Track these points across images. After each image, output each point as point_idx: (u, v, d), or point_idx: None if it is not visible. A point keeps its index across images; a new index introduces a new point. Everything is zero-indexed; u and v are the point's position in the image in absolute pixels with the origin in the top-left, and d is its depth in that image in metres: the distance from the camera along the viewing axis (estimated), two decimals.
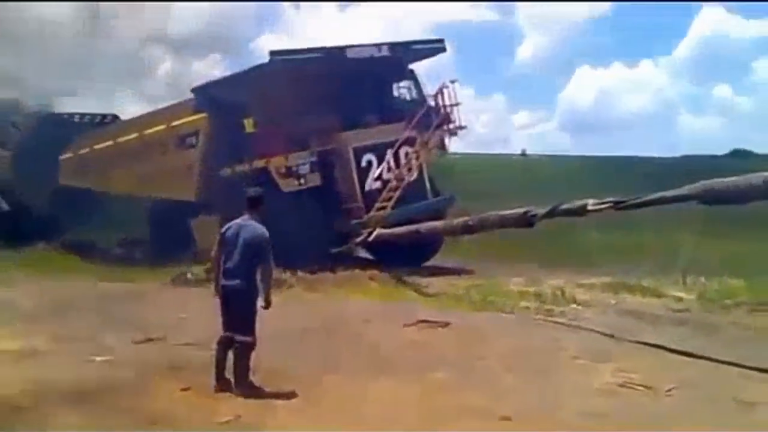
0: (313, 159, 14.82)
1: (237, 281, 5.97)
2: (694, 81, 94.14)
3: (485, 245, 15.14)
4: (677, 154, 51.75)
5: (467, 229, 12.31)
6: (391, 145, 15.19)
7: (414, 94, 16.79)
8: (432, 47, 16.80)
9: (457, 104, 15.99)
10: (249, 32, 70.96)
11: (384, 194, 14.67)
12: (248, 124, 14.54)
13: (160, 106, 18.88)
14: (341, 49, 15.09)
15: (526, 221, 10.10)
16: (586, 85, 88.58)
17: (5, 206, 20.56)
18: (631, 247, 16.13)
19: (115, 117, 22.30)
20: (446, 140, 16.81)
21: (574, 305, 9.81)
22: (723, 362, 6.38)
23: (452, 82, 16.04)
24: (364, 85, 15.46)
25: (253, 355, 6.02)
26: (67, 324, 8.91)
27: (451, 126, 16.21)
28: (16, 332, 8.21)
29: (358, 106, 15.35)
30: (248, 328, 6.01)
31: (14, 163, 21.44)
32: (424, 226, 13.58)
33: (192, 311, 10.46)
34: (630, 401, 5.60)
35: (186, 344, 7.79)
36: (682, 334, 8.10)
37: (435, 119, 15.69)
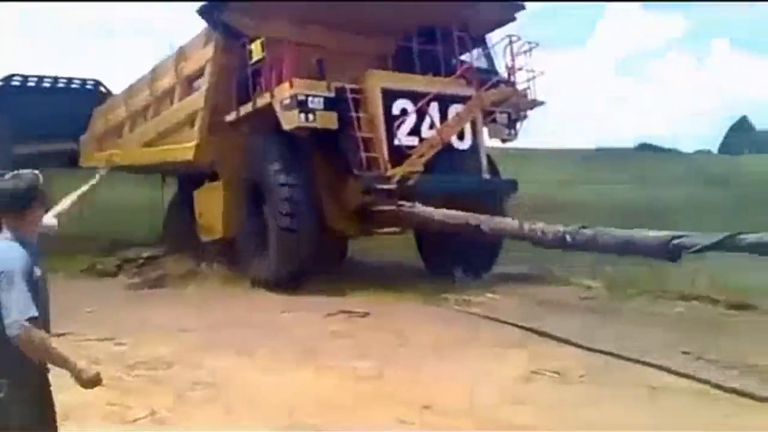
0: (330, 95, 11.19)
1: None
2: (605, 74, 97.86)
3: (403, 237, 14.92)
4: (591, 146, 53.87)
5: (563, 244, 7.99)
6: (437, 98, 11.71)
7: (483, 62, 13.47)
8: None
9: (533, 72, 12.49)
10: None
11: (419, 148, 11.43)
12: (255, 49, 11.61)
13: None
14: None
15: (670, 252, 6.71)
16: None
17: None
18: None
19: (98, 83, 19.26)
20: (516, 119, 13.08)
21: (491, 295, 10.03)
22: (629, 359, 6.59)
23: (530, 46, 12.36)
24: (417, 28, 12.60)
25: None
26: None
27: (522, 98, 12.77)
28: None
29: (403, 47, 12.65)
30: None
31: None
32: (490, 221, 9.39)
33: (100, 304, 10.19)
34: (543, 388, 5.79)
35: (96, 339, 7.59)
36: (591, 322, 8.45)
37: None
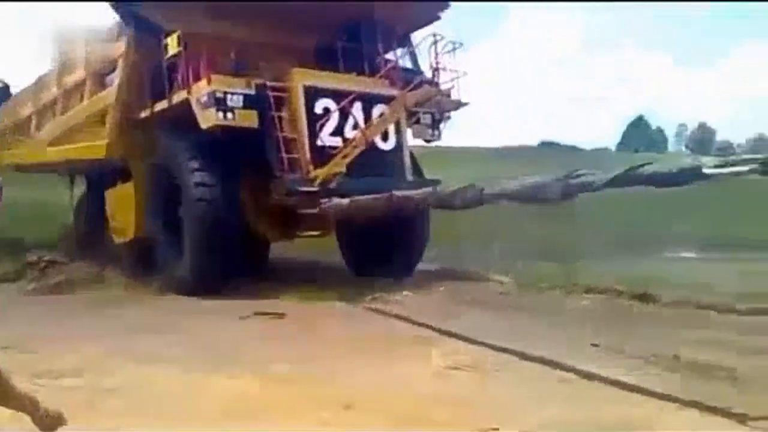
0: (250, 92, 10.85)
1: None
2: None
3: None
4: (497, 145, 55.39)
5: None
6: (361, 97, 11.56)
7: (408, 62, 13.48)
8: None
9: (457, 72, 12.44)
10: None
11: (343, 150, 11.21)
12: (171, 43, 11.14)
13: None
14: None
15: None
16: None
17: None
18: (454, 235, 16.88)
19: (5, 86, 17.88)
20: (440, 119, 13.05)
21: (406, 293, 10.13)
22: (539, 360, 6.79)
23: (454, 46, 12.28)
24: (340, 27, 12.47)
25: None
26: None
27: (446, 98, 12.71)
28: None
29: (326, 44, 12.44)
30: None
31: None
32: (400, 194, 9.88)
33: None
34: (461, 383, 5.88)
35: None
36: (505, 317, 8.69)
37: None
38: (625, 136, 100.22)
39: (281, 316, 8.86)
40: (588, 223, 19.08)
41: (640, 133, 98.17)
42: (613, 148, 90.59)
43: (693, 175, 6.14)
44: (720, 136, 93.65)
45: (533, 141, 72.66)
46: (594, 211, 19.56)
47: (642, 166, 6.71)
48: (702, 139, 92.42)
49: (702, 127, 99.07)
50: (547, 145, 68.86)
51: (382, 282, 10.66)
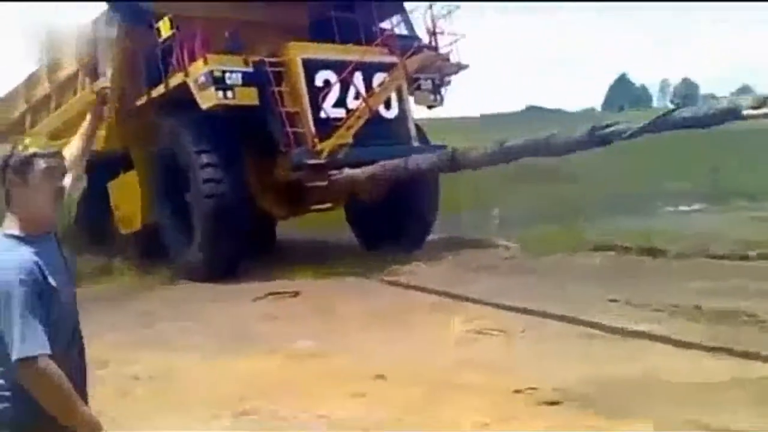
0: (248, 69, 10.57)
1: None
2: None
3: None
4: (476, 113, 55.09)
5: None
6: (360, 67, 11.19)
7: (403, 29, 13.20)
8: None
9: (455, 35, 12.05)
10: None
11: (347, 121, 10.90)
12: (163, 26, 10.78)
13: None
14: None
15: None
16: None
17: None
18: (454, 203, 16.84)
19: None
20: (441, 84, 12.81)
21: (417, 263, 10.12)
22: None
23: (449, 9, 11.91)
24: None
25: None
26: None
27: (446, 62, 12.41)
28: None
29: (320, 16, 12.12)
30: None
31: None
32: (412, 158, 9.86)
33: None
34: (490, 345, 5.91)
35: None
36: (516, 280, 8.71)
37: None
38: (609, 95, 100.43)
39: (295, 294, 8.84)
40: (586, 184, 19.14)
41: (624, 92, 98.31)
42: (599, 108, 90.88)
43: (731, 116, 5.94)
44: (703, 90, 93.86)
45: (518, 106, 72.53)
46: (591, 172, 19.69)
47: (675, 109, 6.55)
48: (686, 94, 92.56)
49: (685, 81, 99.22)
50: (533, 110, 68.78)
51: (393, 254, 10.64)
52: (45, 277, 2.08)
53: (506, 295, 7.58)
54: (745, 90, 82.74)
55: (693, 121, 6.18)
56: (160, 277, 10.96)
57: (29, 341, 1.99)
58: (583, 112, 70.89)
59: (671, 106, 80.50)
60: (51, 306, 2.08)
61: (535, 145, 8.10)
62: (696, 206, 17.98)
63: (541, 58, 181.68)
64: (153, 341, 7.19)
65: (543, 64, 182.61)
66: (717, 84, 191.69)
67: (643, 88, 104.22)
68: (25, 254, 2.08)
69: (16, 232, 2.13)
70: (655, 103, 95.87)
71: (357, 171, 10.32)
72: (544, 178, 18.46)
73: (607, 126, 6.83)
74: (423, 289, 8.50)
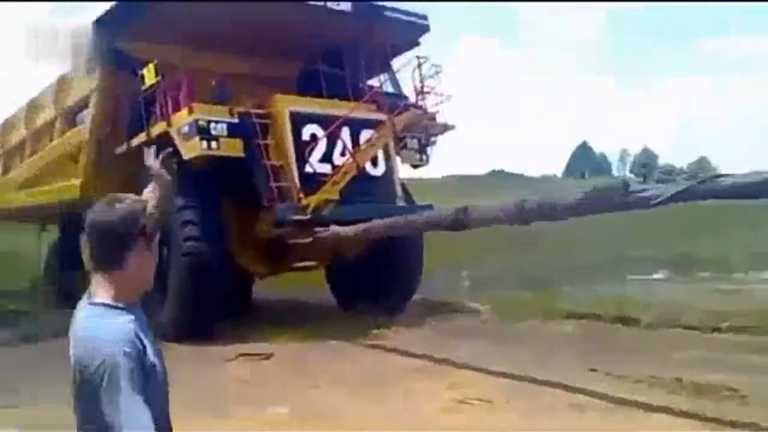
0: (234, 120, 10.32)
1: None
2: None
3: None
4: (445, 174, 55.62)
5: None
6: (348, 123, 10.97)
7: (390, 87, 13.14)
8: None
9: (441, 95, 11.81)
10: None
11: (334, 176, 10.60)
12: (148, 74, 10.59)
13: None
14: None
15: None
16: None
17: None
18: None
19: None
20: (427, 144, 12.85)
21: (395, 327, 10.00)
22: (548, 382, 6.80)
23: (437, 69, 11.74)
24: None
25: None
26: None
27: (432, 122, 12.41)
28: None
29: (310, 69, 12.09)
30: None
31: None
32: (403, 218, 9.64)
33: None
34: (475, 416, 5.81)
35: None
36: (493, 346, 8.65)
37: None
38: (571, 162, 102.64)
39: (269, 356, 8.62)
40: (550, 250, 19.33)
41: (585, 159, 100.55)
42: (560, 175, 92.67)
43: None
44: (662, 161, 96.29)
45: (481, 170, 73.56)
46: (555, 239, 19.92)
47: (718, 176, 5.79)
48: (645, 163, 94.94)
49: (645, 151, 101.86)
50: (496, 174, 69.80)
51: (373, 316, 10.49)
52: (146, 352, 1.82)
53: (485, 362, 7.51)
54: (702, 161, 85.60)
55: (737, 190, 5.51)
56: None
57: (140, 418, 1.72)
58: (545, 178, 72.26)
59: (630, 176, 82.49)
60: (147, 384, 1.79)
61: (560, 206, 7.17)
62: (659, 275, 18.26)
63: (504, 122, 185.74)
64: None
65: (506, 129, 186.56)
66: (675, 153, 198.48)
67: (603, 157, 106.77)
68: (127, 323, 1.82)
69: (110, 301, 1.86)
70: (615, 172, 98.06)
71: (347, 229, 9.93)
72: (507, 244, 18.48)
73: (643, 190, 6.21)
74: (404, 353, 8.38)
